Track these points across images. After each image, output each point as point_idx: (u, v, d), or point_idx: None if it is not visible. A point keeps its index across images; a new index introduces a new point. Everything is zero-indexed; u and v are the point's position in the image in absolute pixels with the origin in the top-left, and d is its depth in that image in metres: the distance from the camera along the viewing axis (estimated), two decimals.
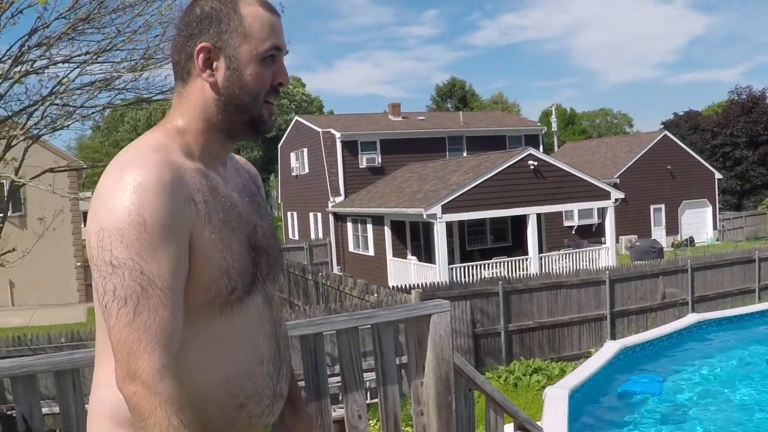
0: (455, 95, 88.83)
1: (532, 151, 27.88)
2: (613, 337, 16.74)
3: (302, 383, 3.41)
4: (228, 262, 1.95)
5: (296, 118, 41.91)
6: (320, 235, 37.45)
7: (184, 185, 1.90)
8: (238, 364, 2.01)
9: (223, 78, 2.00)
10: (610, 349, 13.05)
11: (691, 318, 15.99)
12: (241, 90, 2.01)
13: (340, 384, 3.88)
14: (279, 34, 2.06)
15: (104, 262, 1.78)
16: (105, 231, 1.78)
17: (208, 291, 1.92)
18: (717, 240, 46.09)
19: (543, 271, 25.71)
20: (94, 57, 11.79)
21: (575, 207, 30.75)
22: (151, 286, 1.77)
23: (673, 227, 45.44)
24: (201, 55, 1.99)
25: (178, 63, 2.06)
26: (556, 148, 62.27)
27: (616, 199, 29.02)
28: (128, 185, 1.79)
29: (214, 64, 2.00)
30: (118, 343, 1.75)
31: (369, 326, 4.00)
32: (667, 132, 48.22)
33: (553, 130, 66.16)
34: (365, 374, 4.34)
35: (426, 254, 29.49)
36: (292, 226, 43.73)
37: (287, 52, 2.11)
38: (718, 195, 48.81)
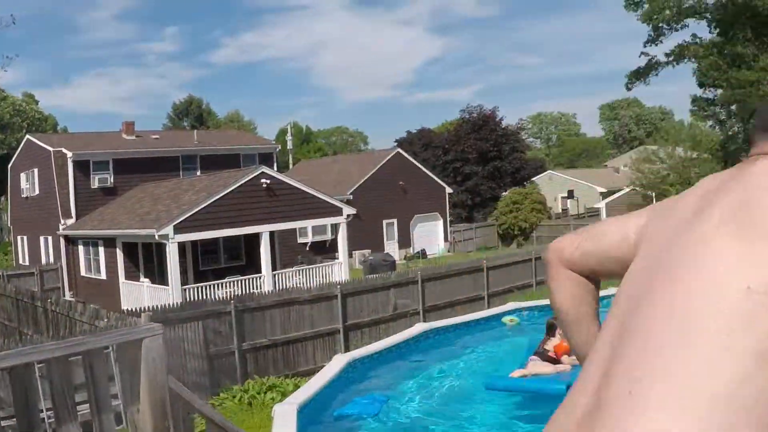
0: (192, 113, 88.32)
1: (264, 169, 28.28)
2: (348, 350, 17.22)
3: (13, 421, 3.38)
4: None
5: (27, 137, 40.33)
6: (51, 260, 36.06)
7: None
8: None
9: None
10: (338, 362, 13.53)
11: (418, 327, 16.79)
12: None
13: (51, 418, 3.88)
14: None
15: None
16: None
17: None
18: (448, 251, 48.26)
19: (277, 288, 25.94)
20: None
21: (309, 224, 31.43)
22: None
23: (405, 240, 47.15)
24: None
25: None
26: (291, 165, 63.03)
27: (348, 215, 29.87)
28: None
29: None
30: None
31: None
32: (399, 149, 50.15)
33: (288, 148, 67.01)
34: (82, 406, 4.35)
35: (159, 276, 28.95)
36: (23, 250, 41.76)
37: None
38: (450, 208, 51.23)
